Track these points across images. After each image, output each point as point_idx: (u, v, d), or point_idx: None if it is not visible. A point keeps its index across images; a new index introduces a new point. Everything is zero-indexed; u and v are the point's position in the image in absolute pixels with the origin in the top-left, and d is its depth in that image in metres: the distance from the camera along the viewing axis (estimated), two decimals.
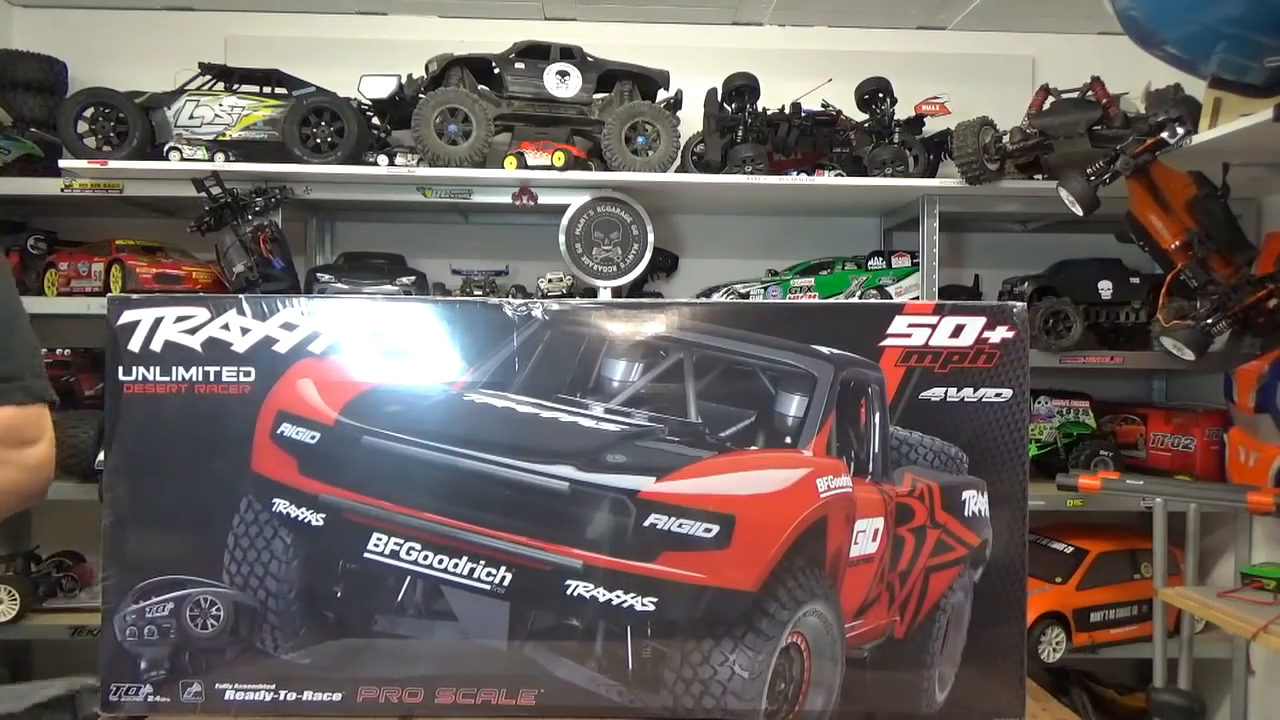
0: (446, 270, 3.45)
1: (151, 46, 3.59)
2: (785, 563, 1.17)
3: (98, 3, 3.63)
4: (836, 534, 1.22)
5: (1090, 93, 2.88)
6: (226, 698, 1.21)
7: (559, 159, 3.08)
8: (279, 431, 1.22)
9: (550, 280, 3.36)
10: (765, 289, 3.38)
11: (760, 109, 3.28)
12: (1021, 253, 3.69)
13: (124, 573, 1.22)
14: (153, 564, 1.22)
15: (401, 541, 1.19)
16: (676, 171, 3.22)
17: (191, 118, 3.11)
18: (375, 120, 3.21)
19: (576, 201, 3.19)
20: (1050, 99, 2.96)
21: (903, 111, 3.33)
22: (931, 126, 3.34)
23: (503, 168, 3.11)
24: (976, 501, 1.27)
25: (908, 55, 3.67)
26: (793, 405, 1.24)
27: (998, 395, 1.25)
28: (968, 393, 1.25)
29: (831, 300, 3.27)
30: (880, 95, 3.28)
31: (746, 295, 3.34)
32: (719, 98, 3.29)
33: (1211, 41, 2.28)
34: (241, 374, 1.22)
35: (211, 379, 1.22)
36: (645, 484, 1.16)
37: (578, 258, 3.19)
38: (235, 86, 3.18)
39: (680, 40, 3.70)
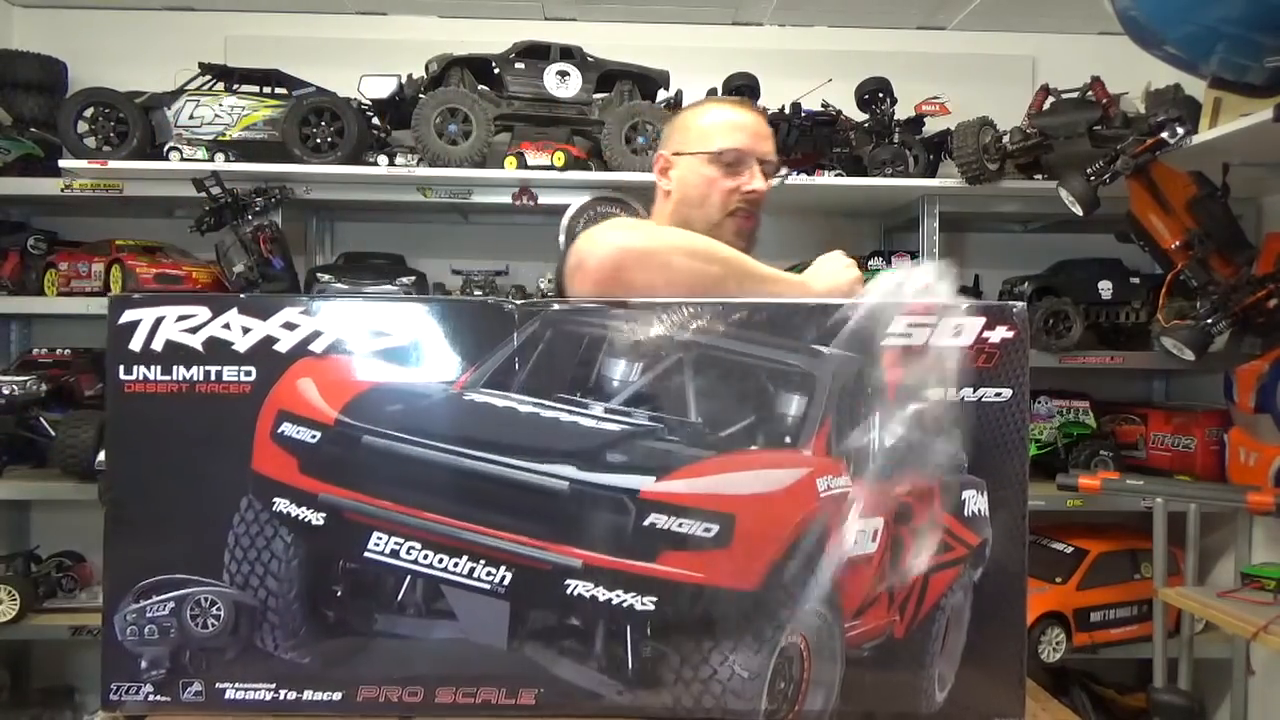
0: (446, 270, 3.45)
1: (151, 46, 3.58)
2: (785, 562, 1.17)
3: (98, 3, 3.63)
4: (836, 534, 1.21)
5: (1090, 93, 2.88)
6: (227, 697, 1.21)
7: (559, 159, 3.08)
8: (279, 431, 1.22)
9: (550, 280, 3.35)
10: None
11: (760, 109, 3.27)
12: (1021, 253, 3.68)
13: (124, 572, 1.22)
14: (153, 563, 1.22)
15: (402, 541, 1.19)
16: None
17: (191, 118, 3.11)
18: (375, 120, 3.21)
19: (576, 201, 3.18)
20: (1050, 99, 2.97)
21: (903, 111, 3.32)
22: (931, 126, 3.33)
23: (503, 168, 3.11)
24: (976, 501, 1.27)
25: (908, 55, 3.66)
26: (792, 405, 1.24)
27: (997, 395, 1.25)
28: (967, 393, 1.25)
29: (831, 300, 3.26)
30: (880, 95, 3.28)
31: None
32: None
33: (1211, 41, 2.28)
34: (242, 373, 1.22)
35: (212, 378, 1.22)
36: (645, 483, 1.16)
37: None
38: (235, 86, 3.18)
39: (680, 40, 3.69)
